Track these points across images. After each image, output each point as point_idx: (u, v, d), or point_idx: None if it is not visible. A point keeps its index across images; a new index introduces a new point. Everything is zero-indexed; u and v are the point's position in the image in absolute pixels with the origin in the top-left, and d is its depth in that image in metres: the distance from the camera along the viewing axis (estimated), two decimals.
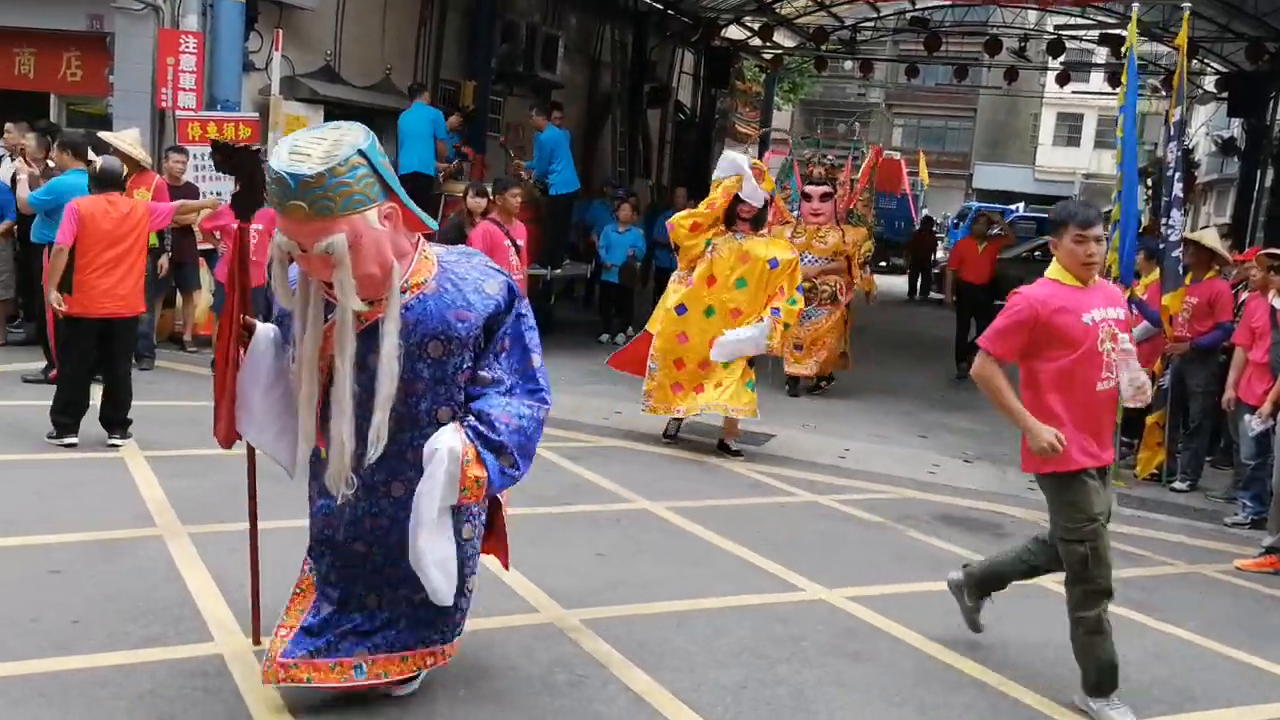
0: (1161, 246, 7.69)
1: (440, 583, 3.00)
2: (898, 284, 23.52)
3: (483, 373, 3.03)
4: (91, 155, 6.90)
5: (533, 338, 3.13)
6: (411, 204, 2.90)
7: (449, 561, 3.02)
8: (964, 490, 7.24)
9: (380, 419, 2.87)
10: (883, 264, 28.16)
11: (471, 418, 2.98)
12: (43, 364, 7.72)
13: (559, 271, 12.24)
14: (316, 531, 3.25)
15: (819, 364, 9.80)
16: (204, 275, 9.60)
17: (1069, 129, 46.96)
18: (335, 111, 11.37)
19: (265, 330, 3.21)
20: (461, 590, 3.24)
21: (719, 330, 7.11)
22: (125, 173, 7.34)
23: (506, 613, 4.40)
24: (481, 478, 2.91)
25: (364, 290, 2.80)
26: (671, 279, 7.52)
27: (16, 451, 6.08)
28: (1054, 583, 5.37)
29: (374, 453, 2.89)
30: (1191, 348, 7.49)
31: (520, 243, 8.11)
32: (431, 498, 2.89)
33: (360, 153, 2.73)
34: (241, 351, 3.21)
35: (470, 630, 4.15)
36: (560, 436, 7.66)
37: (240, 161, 3.20)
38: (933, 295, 20.93)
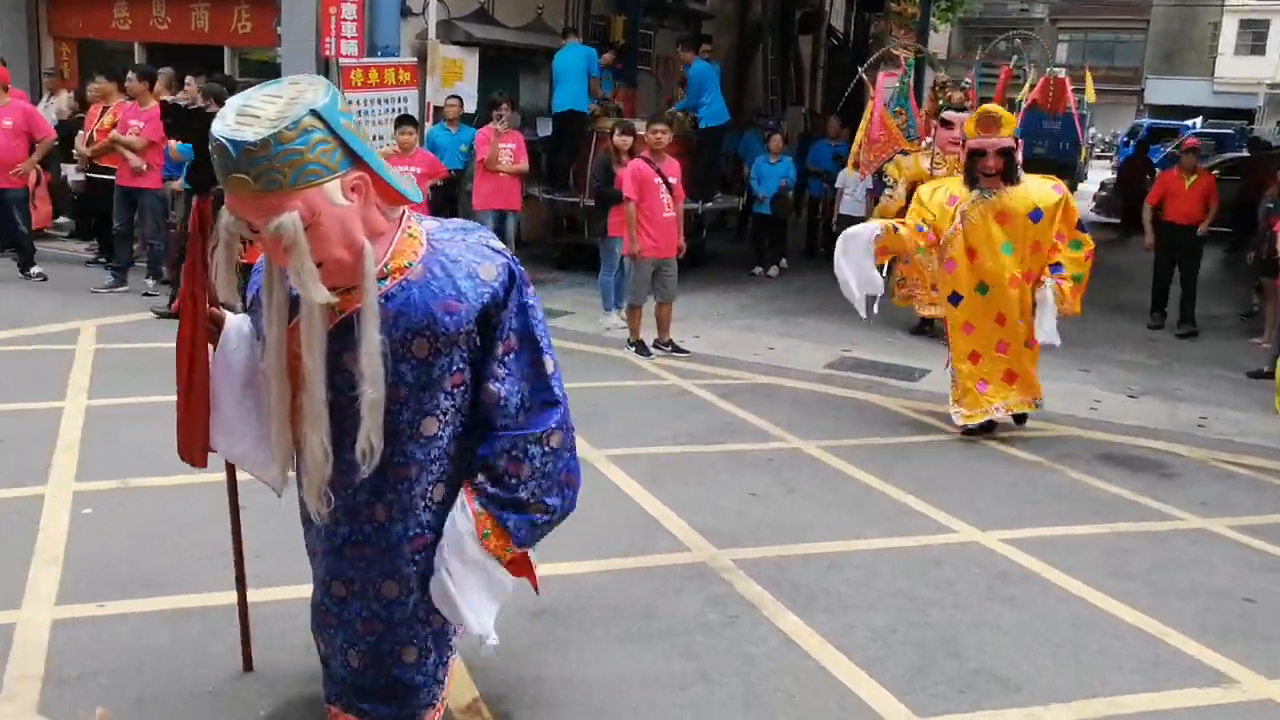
0: None
1: (468, 616, 2.63)
2: None
3: (490, 385, 2.53)
4: None
5: (544, 333, 2.61)
6: (387, 173, 2.41)
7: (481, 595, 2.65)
8: (1128, 427, 6.98)
9: (370, 426, 2.41)
10: None
11: (479, 476, 2.56)
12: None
13: (710, 205, 12.21)
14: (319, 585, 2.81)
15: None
16: None
17: (1253, 36, 43.40)
18: (490, 53, 11.57)
19: (236, 323, 2.77)
20: (435, 674, 2.82)
21: (999, 307, 6.31)
22: None
23: (660, 552, 4.54)
24: (506, 545, 2.58)
25: (332, 278, 2.35)
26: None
27: None
28: (1223, 527, 5.21)
29: (367, 467, 2.46)
30: None
31: (673, 180, 8.11)
32: (462, 590, 2.59)
33: (314, 113, 2.23)
34: (210, 349, 2.76)
35: (626, 569, 4.34)
36: (710, 374, 7.74)
37: (193, 124, 2.75)
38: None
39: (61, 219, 11.87)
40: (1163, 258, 10.67)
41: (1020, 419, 6.80)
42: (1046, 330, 6.26)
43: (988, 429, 6.57)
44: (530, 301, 2.58)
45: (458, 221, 2.70)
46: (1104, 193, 20.98)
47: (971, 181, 6.30)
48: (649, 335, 8.29)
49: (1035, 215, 6.21)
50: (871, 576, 4.41)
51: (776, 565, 4.45)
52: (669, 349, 8.25)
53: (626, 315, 8.45)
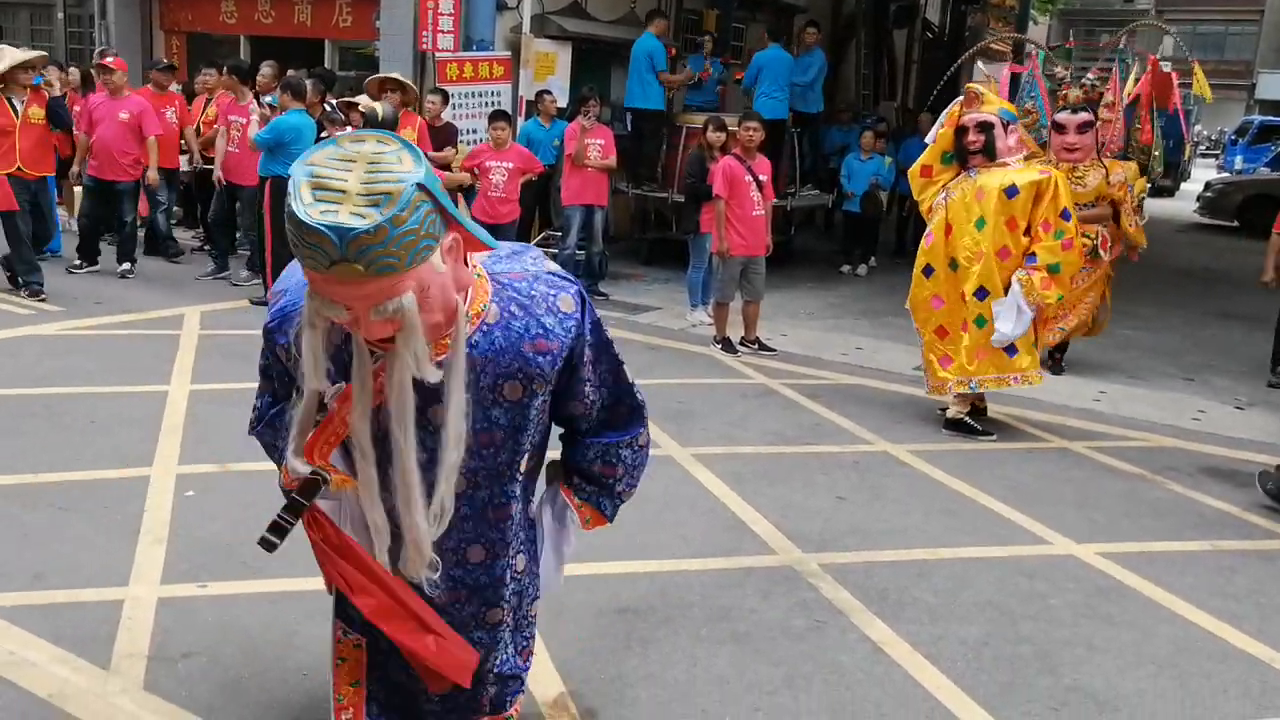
0: None
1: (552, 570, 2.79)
2: (1163, 208, 21.80)
3: (576, 401, 2.49)
4: (368, 102, 7.42)
5: (612, 342, 2.54)
6: (468, 223, 2.21)
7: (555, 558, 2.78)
8: (1234, 440, 6.72)
9: (445, 490, 2.28)
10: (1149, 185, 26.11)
11: (576, 479, 2.66)
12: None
13: (790, 196, 12.06)
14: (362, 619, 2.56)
15: (1067, 331, 7.93)
16: (460, 209, 10.10)
17: None
18: (583, 46, 11.62)
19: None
20: (523, 631, 2.79)
21: (965, 283, 6.20)
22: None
23: (746, 554, 4.51)
24: (602, 524, 2.74)
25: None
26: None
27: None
28: None
29: (438, 530, 2.32)
30: None
31: (763, 178, 8.07)
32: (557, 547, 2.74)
33: (420, 187, 2.01)
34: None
35: (712, 570, 4.33)
36: (797, 373, 7.67)
37: None
38: None
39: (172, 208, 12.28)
40: None
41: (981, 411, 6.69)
42: (999, 329, 6.14)
43: (978, 414, 6.61)
44: (598, 316, 2.50)
45: (506, 247, 2.52)
46: (1209, 193, 20.25)
47: (962, 160, 6.30)
48: (735, 333, 8.25)
49: (1010, 191, 6.06)
50: (961, 586, 4.33)
51: (864, 571, 4.40)
52: (755, 347, 8.20)
53: (713, 312, 8.43)
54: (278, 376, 2.48)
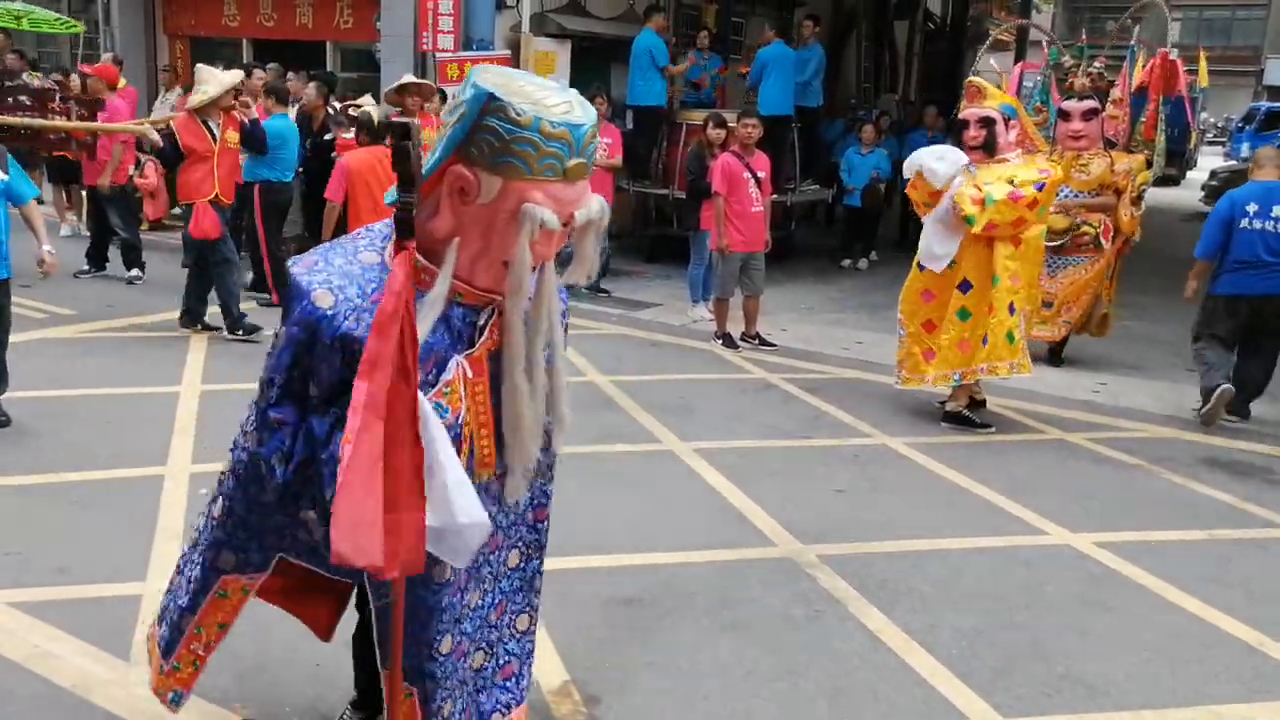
0: None
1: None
2: (1168, 197, 21.79)
3: None
4: (370, 104, 7.52)
5: None
6: None
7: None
8: (1232, 430, 6.78)
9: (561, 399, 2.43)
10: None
11: None
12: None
13: (791, 190, 12.10)
14: (440, 652, 2.48)
15: (1070, 325, 8.00)
16: None
17: None
18: (582, 44, 11.68)
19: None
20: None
21: (962, 276, 6.18)
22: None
23: (746, 545, 4.61)
24: None
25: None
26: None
27: None
28: None
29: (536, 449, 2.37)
30: None
31: (761, 174, 8.14)
32: None
33: None
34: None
35: (713, 562, 4.42)
36: (797, 368, 7.76)
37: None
38: None
39: (177, 209, 12.38)
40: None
41: (981, 403, 6.69)
42: (922, 248, 6.14)
43: (976, 407, 6.64)
44: None
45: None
46: (1214, 182, 20.24)
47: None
48: (736, 328, 8.33)
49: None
50: (958, 576, 4.42)
51: (862, 562, 4.49)
52: (756, 342, 8.29)
53: (714, 308, 8.51)
54: (326, 378, 2.19)
